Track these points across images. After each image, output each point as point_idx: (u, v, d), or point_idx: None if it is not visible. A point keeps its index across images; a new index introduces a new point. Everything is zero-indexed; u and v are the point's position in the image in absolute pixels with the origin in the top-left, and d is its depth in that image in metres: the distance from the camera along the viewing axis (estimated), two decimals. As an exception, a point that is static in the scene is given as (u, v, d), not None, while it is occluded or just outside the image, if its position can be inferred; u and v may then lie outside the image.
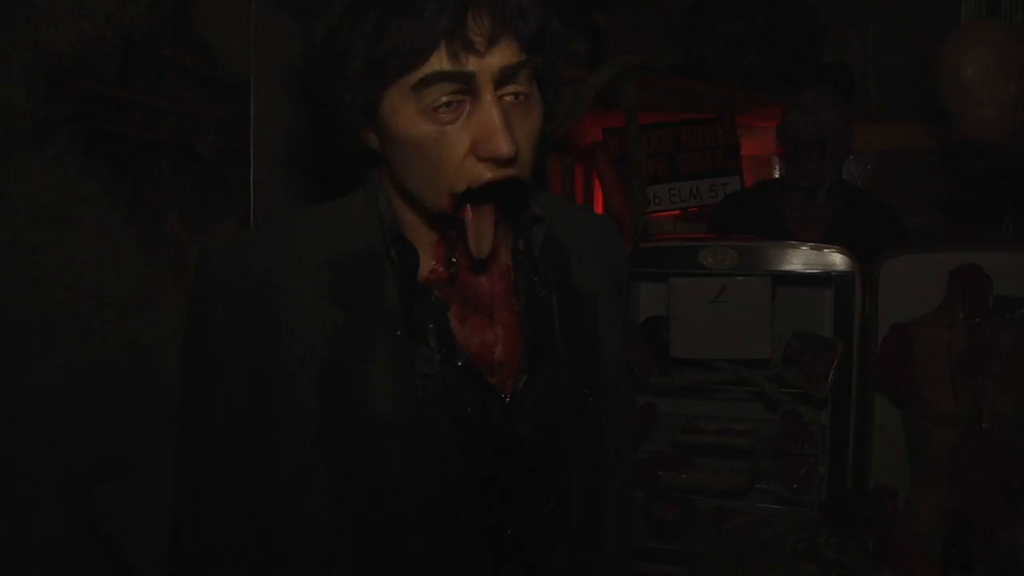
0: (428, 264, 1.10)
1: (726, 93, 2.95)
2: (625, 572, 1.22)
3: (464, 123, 0.98)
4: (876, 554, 2.01)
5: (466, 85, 0.97)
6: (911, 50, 3.24)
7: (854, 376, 2.28)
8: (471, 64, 0.96)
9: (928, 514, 2.06)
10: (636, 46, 3.09)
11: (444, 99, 0.97)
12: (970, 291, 2.10)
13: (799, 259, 2.32)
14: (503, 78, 0.98)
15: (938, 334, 2.11)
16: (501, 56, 0.97)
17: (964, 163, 1.87)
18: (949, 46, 1.94)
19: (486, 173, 0.99)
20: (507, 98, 0.99)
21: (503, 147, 0.96)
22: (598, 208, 2.80)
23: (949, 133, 1.91)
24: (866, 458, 2.34)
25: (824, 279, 2.31)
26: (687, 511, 2.52)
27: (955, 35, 1.94)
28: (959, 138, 1.87)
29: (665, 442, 2.57)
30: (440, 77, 0.96)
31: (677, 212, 3.07)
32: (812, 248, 2.32)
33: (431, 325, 1.07)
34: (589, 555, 1.13)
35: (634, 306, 2.63)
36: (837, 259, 2.28)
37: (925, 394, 2.09)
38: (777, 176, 3.36)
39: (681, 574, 2.30)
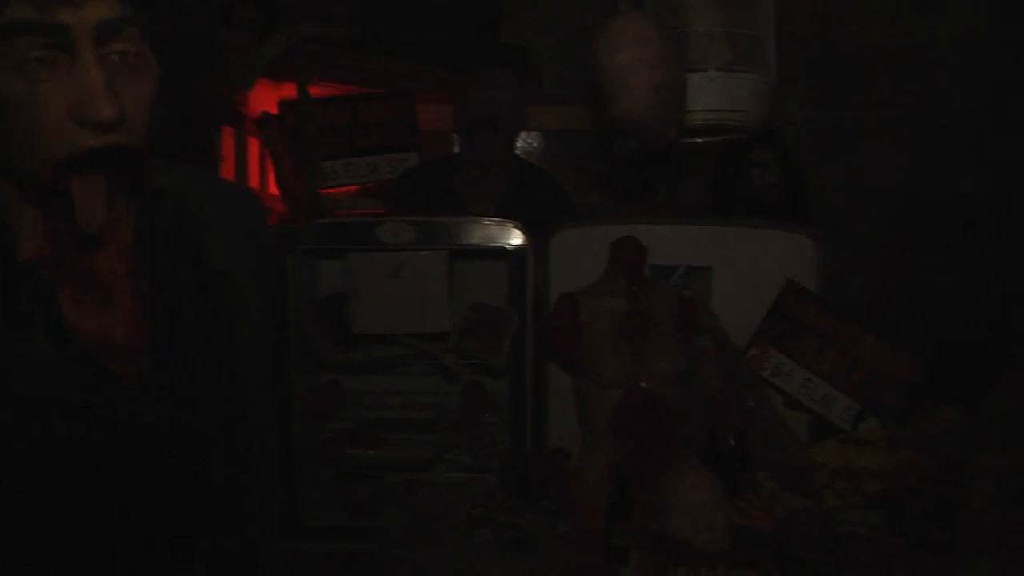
0: (35, 242, 0.98)
1: (404, 69, 2.96)
2: (279, 567, 1.17)
3: (61, 83, 0.88)
4: (551, 512, 2.12)
5: (60, 39, 0.86)
6: (582, 34, 3.42)
7: (529, 345, 2.39)
8: (64, 16, 0.85)
9: (596, 470, 2.20)
10: (312, 17, 3.00)
11: (35, 54, 0.86)
12: (628, 261, 2.26)
13: (475, 234, 2.39)
14: (104, 34, 0.88)
15: (601, 302, 2.26)
16: (100, 8, 0.87)
17: (616, 142, 2.00)
18: (601, 34, 2.07)
19: (88, 139, 0.89)
20: (113, 57, 0.90)
21: (103, 110, 0.87)
22: (271, 184, 2.71)
23: (604, 115, 2.03)
24: (543, 423, 2.47)
25: (499, 252, 2.39)
26: (378, 487, 2.53)
27: (606, 25, 2.07)
28: (612, 119, 1.99)
29: (351, 420, 2.56)
30: (23, 27, 0.85)
31: (356, 188, 3.05)
32: (487, 223, 2.40)
33: (35, 309, 0.96)
34: (237, 551, 1.07)
35: (315, 284, 2.58)
36: (511, 233, 2.37)
37: (591, 359, 2.23)
38: (455, 152, 3.44)
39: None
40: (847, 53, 3.75)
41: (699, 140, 2.32)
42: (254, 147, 2.88)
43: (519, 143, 3.16)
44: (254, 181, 2.93)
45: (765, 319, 2.43)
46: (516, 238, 2.37)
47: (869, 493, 2.09)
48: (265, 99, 2.83)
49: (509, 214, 2.48)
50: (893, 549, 1.98)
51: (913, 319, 3.74)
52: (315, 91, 2.71)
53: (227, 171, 2.71)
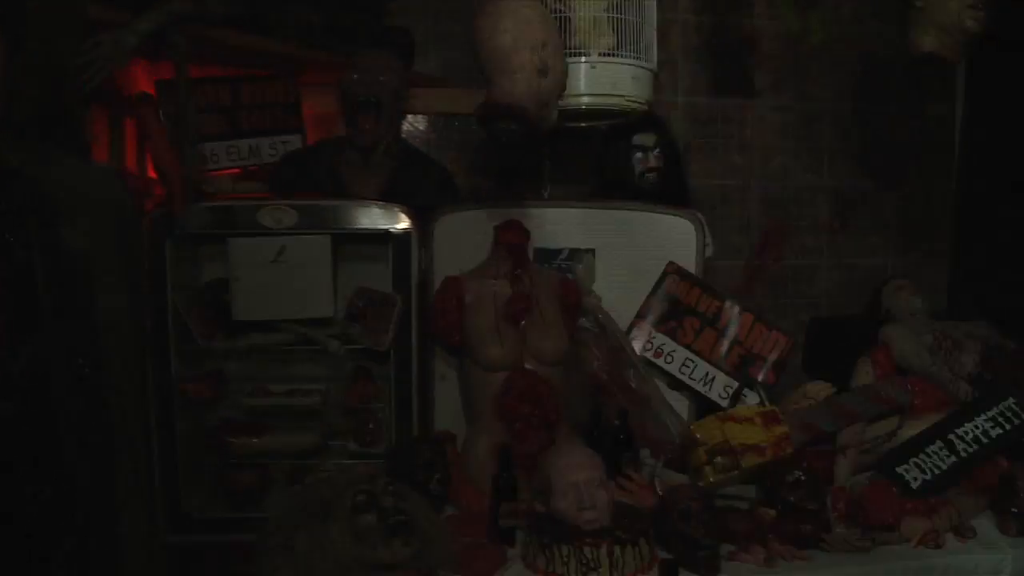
0: None
1: (285, 49, 2.88)
2: (149, 558, 1.14)
3: None
4: (438, 495, 2.12)
5: None
6: (468, 17, 3.40)
7: (414, 329, 2.38)
8: None
9: (482, 452, 2.22)
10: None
11: None
12: (511, 244, 2.28)
13: (359, 218, 2.37)
14: None
15: (485, 285, 2.27)
16: None
17: (498, 126, 2.00)
18: (483, 17, 2.06)
19: None
20: None
21: None
22: (148, 166, 2.62)
23: (486, 97, 2.03)
24: (429, 407, 2.47)
25: (383, 236, 2.37)
26: (262, 476, 2.48)
27: (488, 7, 2.06)
28: (493, 102, 1.99)
29: (235, 408, 2.51)
30: None
31: (237, 171, 2.97)
32: (371, 207, 2.38)
33: None
34: (102, 544, 1.04)
35: (194, 269, 2.51)
36: (395, 217, 2.36)
37: (475, 342, 2.24)
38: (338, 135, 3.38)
39: (256, 541, 2.27)
40: (727, 41, 3.85)
41: (582, 124, 2.34)
42: (130, 128, 2.78)
43: (404, 126, 3.13)
44: (131, 163, 2.82)
45: (647, 301, 2.49)
46: (400, 222, 2.36)
47: (746, 468, 2.16)
48: (141, 79, 2.73)
49: (393, 198, 2.46)
50: (768, 520, 2.06)
51: (790, 299, 3.89)
52: (194, 72, 2.63)
53: (100, 153, 2.60)
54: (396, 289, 2.36)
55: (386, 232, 2.35)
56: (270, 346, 2.43)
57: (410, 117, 3.41)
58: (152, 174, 2.55)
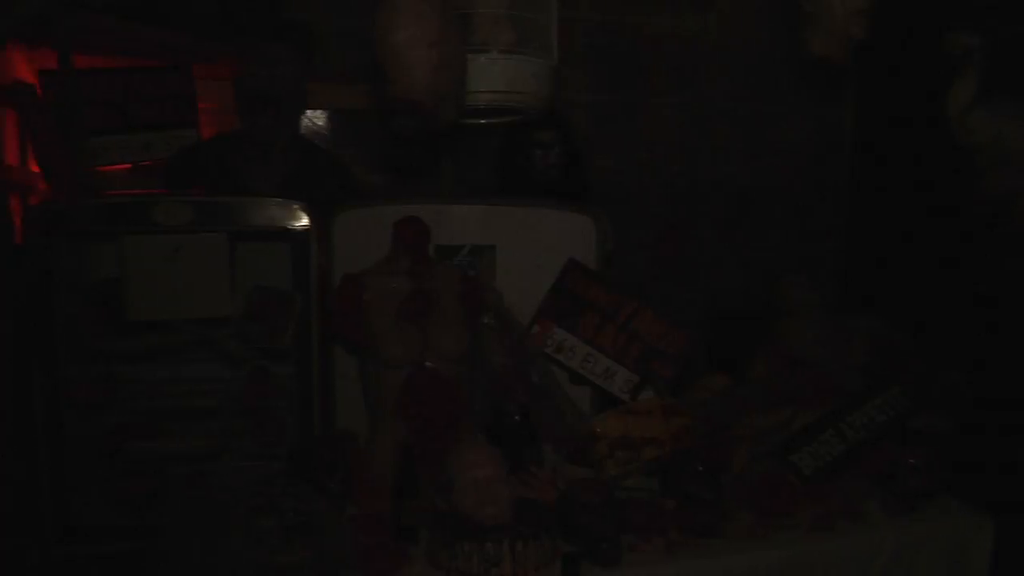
0: None
1: (178, 40, 2.80)
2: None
3: None
4: (339, 495, 2.10)
5: None
6: (369, 12, 3.36)
7: (314, 328, 2.34)
8: None
9: (384, 451, 2.20)
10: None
11: None
12: (411, 241, 2.26)
13: (257, 214, 2.32)
14: None
15: (385, 282, 2.25)
16: None
17: (397, 122, 1.99)
18: (382, 12, 2.04)
19: None
20: None
21: None
22: (32, 161, 2.51)
23: (385, 93, 2.01)
24: (331, 406, 2.44)
25: (282, 234, 2.33)
26: (158, 481, 2.41)
27: (387, 2, 2.04)
28: (392, 98, 1.97)
29: (129, 411, 2.42)
30: None
31: (129, 166, 2.88)
32: (269, 203, 2.33)
33: None
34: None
35: (83, 268, 2.42)
36: (294, 214, 2.31)
37: (376, 340, 2.22)
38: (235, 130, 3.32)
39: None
40: (629, 40, 3.91)
41: (482, 121, 2.34)
42: (10, 118, 2.66)
43: (304, 122, 3.09)
44: (12, 157, 2.70)
45: (547, 296, 2.50)
46: (300, 219, 2.31)
47: (646, 460, 2.20)
48: (20, 66, 2.61)
49: (292, 194, 2.41)
50: (668, 510, 2.10)
51: (691, 293, 3.98)
52: (80, 62, 2.53)
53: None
54: (296, 287, 2.32)
55: (285, 229, 2.31)
56: (166, 347, 2.36)
57: (310, 112, 3.36)
58: (35, 168, 2.45)
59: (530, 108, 2.29)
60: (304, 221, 2.31)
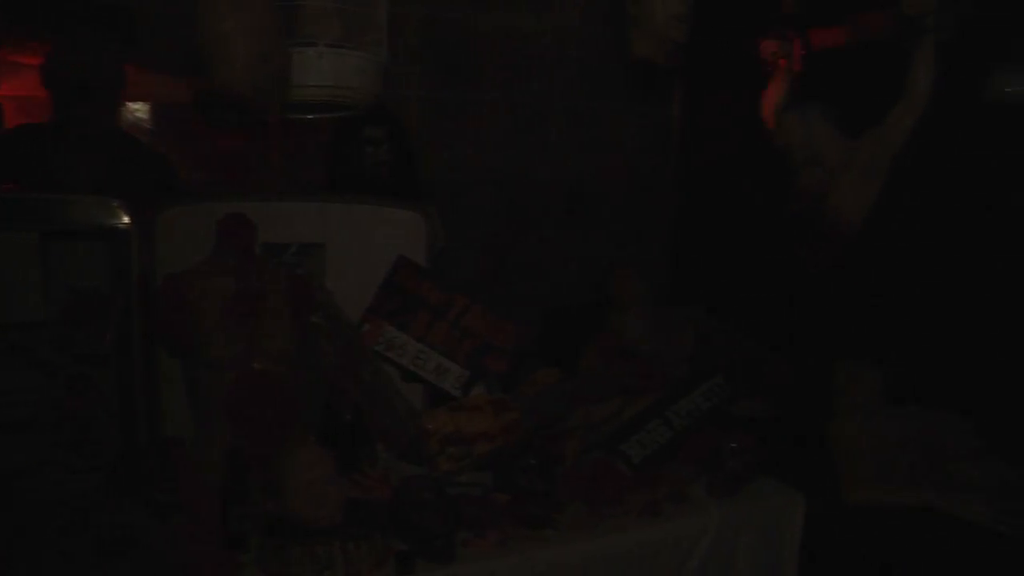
0: None
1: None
2: None
3: None
4: (166, 504, 2.01)
5: None
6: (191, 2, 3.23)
7: (136, 331, 2.24)
8: None
9: (210, 457, 2.13)
10: None
11: None
12: (236, 239, 2.20)
13: (72, 212, 2.19)
14: None
15: (210, 282, 2.17)
16: None
17: (215, 114, 1.93)
18: (205, 1, 1.97)
19: None
20: None
21: None
22: None
23: (205, 85, 1.94)
24: (156, 413, 2.34)
25: (99, 233, 2.21)
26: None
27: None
28: (212, 89, 1.92)
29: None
30: None
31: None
32: (84, 200, 2.21)
33: None
34: None
35: None
36: (112, 212, 2.20)
37: (200, 341, 2.14)
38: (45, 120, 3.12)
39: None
40: (463, 38, 3.92)
41: (310, 116, 2.30)
42: None
43: (123, 114, 2.94)
44: None
45: (378, 294, 2.49)
46: (119, 216, 2.21)
47: (479, 455, 2.22)
48: None
49: (109, 189, 2.30)
50: (501, 504, 2.12)
51: (526, 288, 4.04)
52: None
53: None
54: (115, 288, 2.21)
55: (104, 228, 2.19)
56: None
57: (130, 104, 3.20)
58: None
59: (359, 103, 2.27)
60: (124, 219, 2.21)
